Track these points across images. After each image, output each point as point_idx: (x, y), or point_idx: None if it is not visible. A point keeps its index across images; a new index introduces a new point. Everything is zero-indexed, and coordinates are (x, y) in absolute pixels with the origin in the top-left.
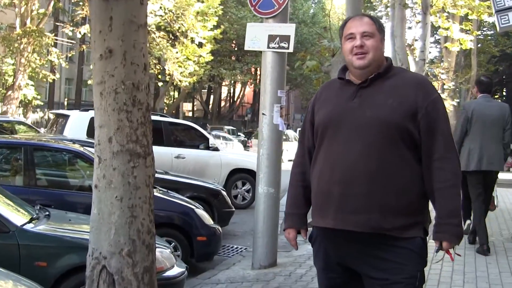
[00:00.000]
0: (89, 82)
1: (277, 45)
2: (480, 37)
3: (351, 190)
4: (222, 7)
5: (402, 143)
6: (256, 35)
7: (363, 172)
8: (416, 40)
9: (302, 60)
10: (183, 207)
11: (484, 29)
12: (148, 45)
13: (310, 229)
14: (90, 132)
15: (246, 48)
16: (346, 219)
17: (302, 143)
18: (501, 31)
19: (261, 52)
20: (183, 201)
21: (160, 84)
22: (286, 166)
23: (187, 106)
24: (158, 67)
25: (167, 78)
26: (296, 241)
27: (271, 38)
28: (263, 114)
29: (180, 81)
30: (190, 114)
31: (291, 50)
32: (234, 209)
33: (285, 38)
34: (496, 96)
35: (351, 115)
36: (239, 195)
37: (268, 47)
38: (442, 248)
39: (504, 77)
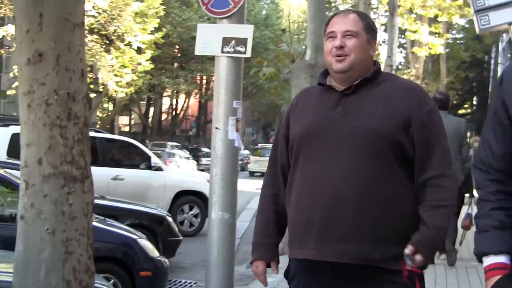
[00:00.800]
0: (9, 92)
1: (233, 49)
2: (449, 41)
3: (336, 214)
4: (164, 7)
5: (394, 159)
6: (208, 38)
7: (351, 194)
8: (380, 44)
9: (258, 67)
10: (123, 238)
11: (453, 32)
12: None
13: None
14: (12, 151)
15: (196, 52)
16: (330, 248)
17: (275, 161)
18: (480, 33)
19: (208, 58)
20: (122, 230)
21: (92, 95)
22: (242, 186)
23: (123, 120)
24: (91, 76)
25: (101, 88)
26: (265, 276)
27: (226, 41)
28: (216, 128)
29: (115, 91)
30: (127, 128)
31: (248, 54)
32: (181, 237)
33: (242, 41)
34: (465, 105)
35: (333, 127)
36: (186, 221)
37: (222, 52)
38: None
39: (474, 84)
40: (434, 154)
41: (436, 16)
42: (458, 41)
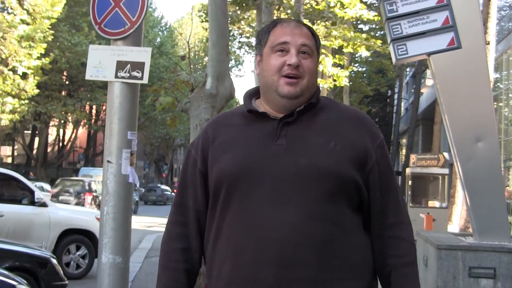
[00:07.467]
0: None
1: (128, 74)
2: (351, 74)
3: (294, 274)
4: (52, 31)
5: (346, 204)
6: (101, 61)
7: (310, 247)
8: None
9: (154, 96)
10: None
11: (356, 65)
12: None
13: None
14: None
15: (87, 77)
16: None
17: (184, 205)
18: (397, 63)
19: (98, 86)
20: None
21: None
22: (132, 224)
23: (5, 150)
24: None
25: None
26: None
27: (120, 65)
28: (108, 161)
29: None
30: (9, 160)
31: (145, 80)
32: (67, 281)
33: (138, 66)
34: None
35: (275, 164)
36: (72, 262)
37: (116, 77)
38: None
39: (377, 119)
40: (389, 197)
41: (341, 47)
42: (362, 75)
